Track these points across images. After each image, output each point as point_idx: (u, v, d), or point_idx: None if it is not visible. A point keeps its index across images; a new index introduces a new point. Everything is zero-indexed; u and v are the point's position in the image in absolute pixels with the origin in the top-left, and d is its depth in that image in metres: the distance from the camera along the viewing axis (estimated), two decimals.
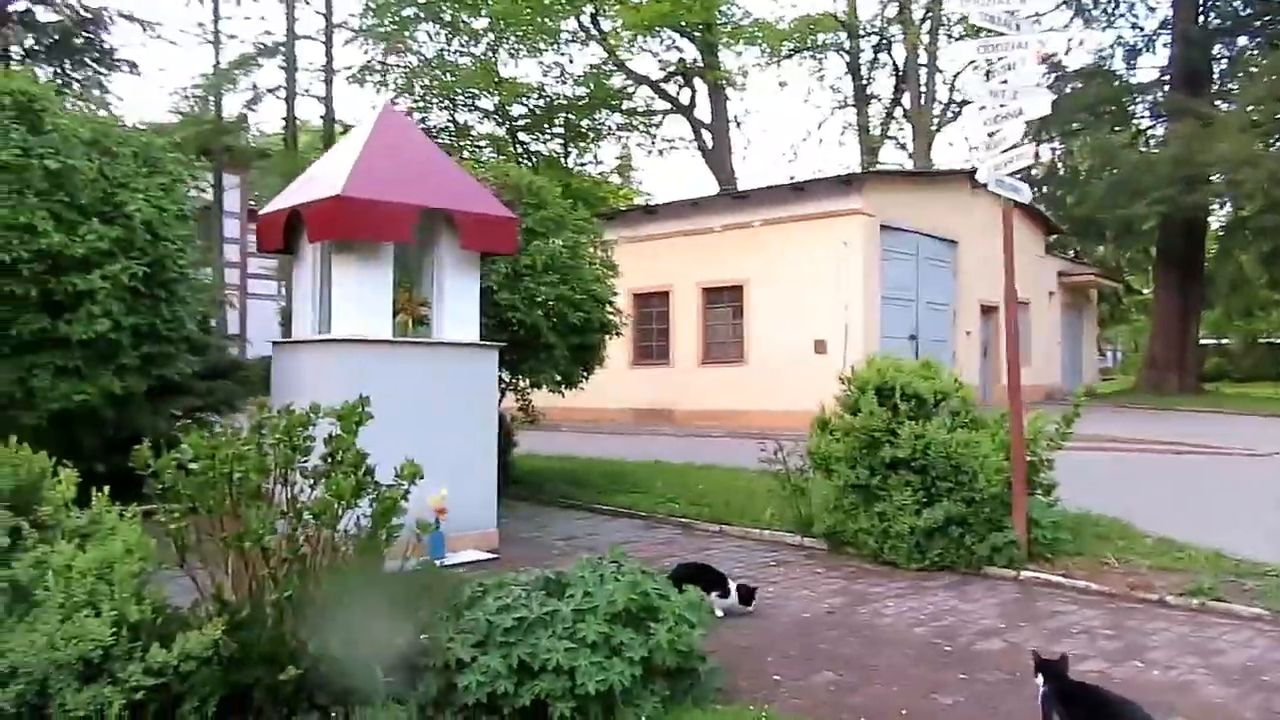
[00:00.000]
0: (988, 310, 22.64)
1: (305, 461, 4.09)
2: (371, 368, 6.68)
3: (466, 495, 7.03)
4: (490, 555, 7.02)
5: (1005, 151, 6.64)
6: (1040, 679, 3.53)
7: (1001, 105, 6.60)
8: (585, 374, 10.29)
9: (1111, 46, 30.98)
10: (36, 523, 3.59)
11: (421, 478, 4.38)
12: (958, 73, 32.43)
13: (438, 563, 6.65)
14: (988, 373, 22.94)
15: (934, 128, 33.59)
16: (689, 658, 3.96)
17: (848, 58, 35.40)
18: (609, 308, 10.00)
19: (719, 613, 5.40)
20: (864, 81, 36.05)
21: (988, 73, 6.71)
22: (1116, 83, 30.59)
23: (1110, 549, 6.75)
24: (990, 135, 6.66)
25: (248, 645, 3.80)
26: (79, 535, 3.63)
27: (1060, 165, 32.80)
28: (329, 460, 4.09)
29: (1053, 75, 27.35)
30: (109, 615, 3.38)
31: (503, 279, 8.94)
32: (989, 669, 4.50)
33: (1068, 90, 29.08)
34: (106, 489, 3.79)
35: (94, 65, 14.69)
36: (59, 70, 12.90)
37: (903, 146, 36.79)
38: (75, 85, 14.07)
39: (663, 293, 21.37)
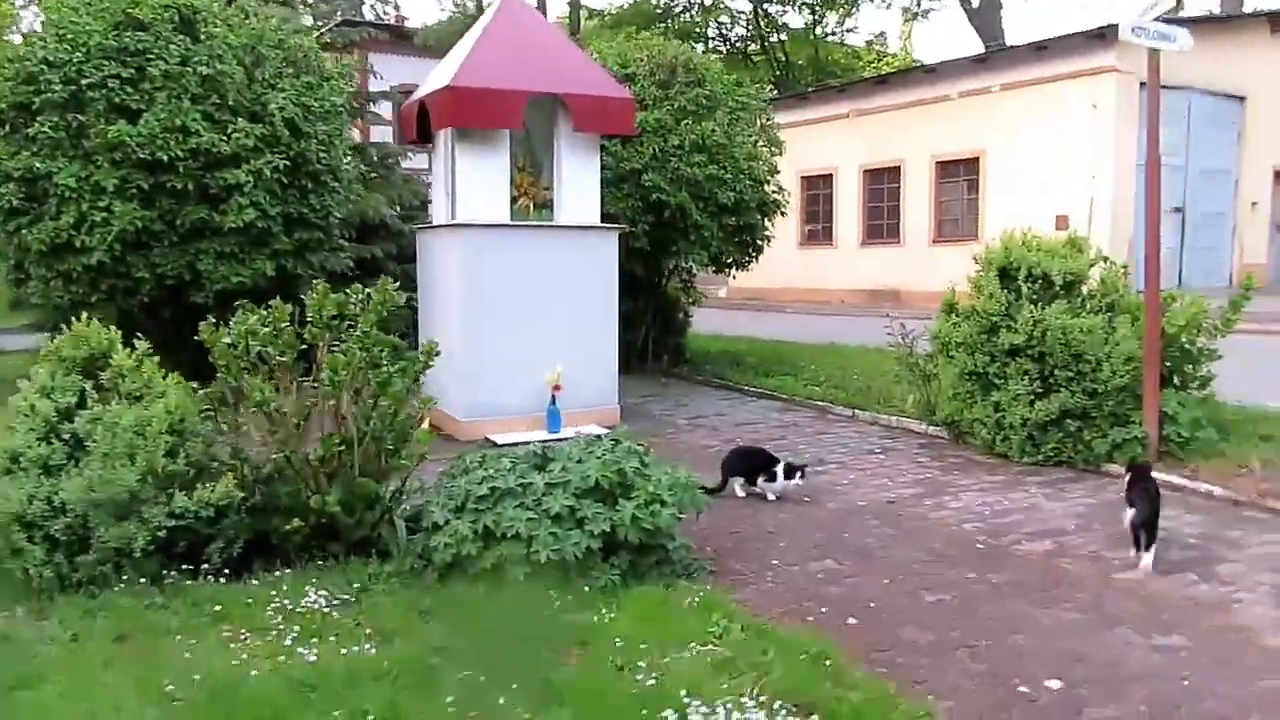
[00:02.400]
0: None
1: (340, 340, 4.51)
2: (488, 250, 7.04)
3: (585, 372, 7.34)
4: (606, 431, 7.29)
5: None
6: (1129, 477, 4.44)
7: None
8: (750, 255, 10.16)
9: None
10: (99, 386, 4.23)
11: (439, 354, 4.70)
12: None
13: (552, 436, 7.14)
14: None
15: None
16: (655, 535, 4.03)
17: None
18: (769, 186, 9.74)
19: (771, 496, 5.38)
20: None
21: None
22: None
23: (1271, 452, 5.89)
24: None
25: (270, 498, 4.35)
26: (133, 397, 4.24)
27: None
28: (347, 336, 4.47)
29: None
30: (140, 466, 3.97)
31: (649, 159, 8.96)
32: (1008, 569, 4.20)
33: None
34: (156, 358, 4.37)
35: None
36: None
37: None
38: None
39: (893, 168, 20.23)
